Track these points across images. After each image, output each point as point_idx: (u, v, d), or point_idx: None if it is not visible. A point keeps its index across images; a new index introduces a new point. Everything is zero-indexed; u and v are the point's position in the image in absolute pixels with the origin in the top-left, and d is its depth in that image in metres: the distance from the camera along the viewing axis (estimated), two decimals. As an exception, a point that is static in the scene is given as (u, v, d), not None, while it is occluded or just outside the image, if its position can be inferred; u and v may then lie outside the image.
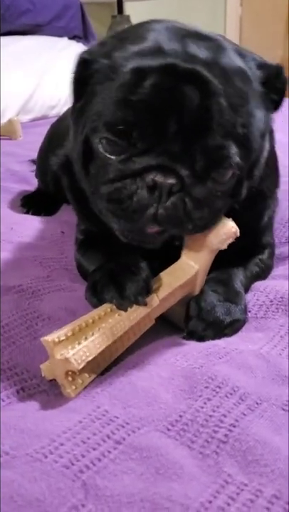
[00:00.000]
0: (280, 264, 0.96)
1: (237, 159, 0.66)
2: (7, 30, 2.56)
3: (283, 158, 1.55)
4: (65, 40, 2.82)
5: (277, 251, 0.99)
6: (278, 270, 0.94)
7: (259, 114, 0.71)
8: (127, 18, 3.35)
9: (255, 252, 0.91)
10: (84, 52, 0.75)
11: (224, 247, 0.73)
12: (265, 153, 0.77)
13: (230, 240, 0.73)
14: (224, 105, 0.64)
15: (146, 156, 0.65)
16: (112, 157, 0.67)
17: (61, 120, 1.39)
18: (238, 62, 0.70)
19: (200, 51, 0.67)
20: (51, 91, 2.42)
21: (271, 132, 0.83)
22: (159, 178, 0.65)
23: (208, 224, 0.72)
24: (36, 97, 2.41)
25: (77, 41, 2.90)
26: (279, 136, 1.89)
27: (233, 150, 0.66)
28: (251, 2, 4.18)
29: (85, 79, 0.72)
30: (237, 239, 0.74)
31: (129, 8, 3.44)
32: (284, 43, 4.08)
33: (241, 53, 0.73)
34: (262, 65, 0.74)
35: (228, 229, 0.72)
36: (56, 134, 1.31)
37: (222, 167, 0.67)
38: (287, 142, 1.79)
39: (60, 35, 2.83)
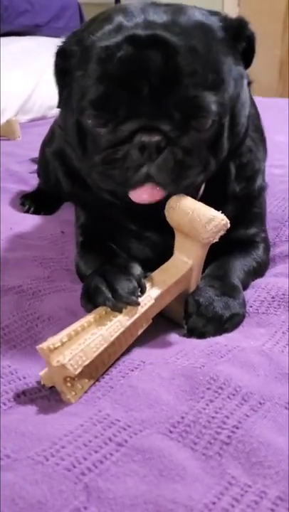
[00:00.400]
0: (281, 263, 0.96)
1: (212, 107, 0.71)
2: (5, 31, 2.56)
3: (284, 158, 1.55)
4: (63, 40, 2.82)
5: (277, 249, 0.99)
6: (279, 268, 0.93)
7: (227, 60, 0.75)
8: (125, 18, 3.35)
9: (250, 243, 0.91)
10: (60, 45, 0.82)
11: (215, 240, 0.72)
12: (247, 109, 0.82)
13: (222, 233, 0.72)
14: (189, 59, 0.69)
15: (129, 121, 0.71)
16: (101, 129, 0.73)
17: None
18: (198, 17, 0.75)
19: (158, 16, 0.72)
20: (50, 91, 2.38)
21: (251, 98, 0.88)
22: (145, 138, 0.70)
23: (198, 179, 0.76)
24: (35, 98, 2.41)
25: (76, 42, 2.91)
26: (279, 138, 1.90)
27: (207, 98, 0.71)
28: (249, 2, 4.18)
29: (65, 68, 0.79)
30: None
31: (127, 8, 3.44)
32: (281, 43, 4.09)
33: (203, 11, 0.78)
34: (224, 18, 0.78)
35: (218, 221, 0.71)
36: (53, 129, 1.33)
37: (199, 116, 0.72)
38: (287, 142, 1.80)
39: (59, 36, 2.79)
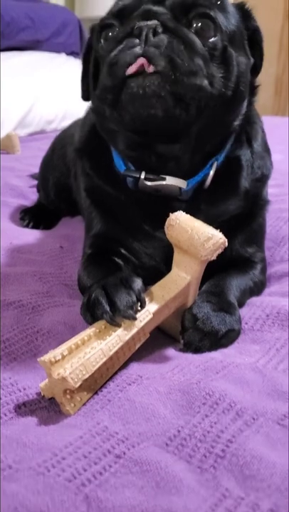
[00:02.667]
0: (276, 282, 0.98)
1: (212, 13, 0.76)
2: (7, 46, 2.60)
3: (279, 178, 1.58)
4: (63, 56, 2.87)
5: (272, 269, 1.01)
6: (274, 288, 0.95)
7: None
8: (124, 35, 3.39)
9: (248, 262, 0.93)
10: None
11: (213, 257, 0.74)
12: (248, 76, 0.86)
13: (219, 251, 0.74)
14: None
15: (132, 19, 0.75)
16: (110, 35, 0.79)
17: (65, 131, 1.42)
18: None
19: None
20: (49, 106, 2.45)
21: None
22: (141, 23, 0.73)
23: (202, 94, 0.75)
24: (34, 112, 2.44)
25: (75, 57, 2.95)
26: (275, 156, 1.93)
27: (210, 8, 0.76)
28: (246, 21, 4.25)
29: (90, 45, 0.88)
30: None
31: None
32: (277, 62, 4.16)
33: None
34: None
35: (216, 240, 0.73)
36: (61, 140, 1.36)
37: (200, 12, 0.76)
38: (284, 160, 1.83)
39: (59, 51, 2.87)
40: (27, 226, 1.32)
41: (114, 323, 0.68)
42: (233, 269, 0.90)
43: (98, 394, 0.66)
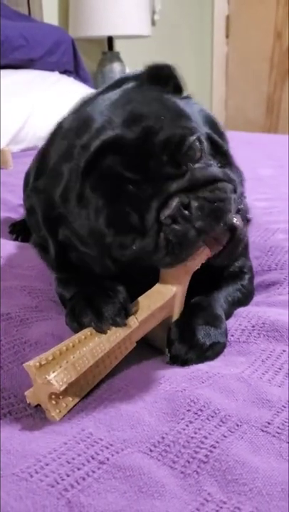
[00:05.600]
0: (264, 291, 0.99)
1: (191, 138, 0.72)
2: (1, 65, 2.63)
3: (268, 192, 1.61)
4: (56, 74, 2.90)
5: (259, 278, 1.02)
6: (261, 297, 0.96)
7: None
8: (117, 54, 3.44)
9: (236, 274, 0.94)
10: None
11: (197, 266, 0.75)
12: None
13: (203, 261, 0.75)
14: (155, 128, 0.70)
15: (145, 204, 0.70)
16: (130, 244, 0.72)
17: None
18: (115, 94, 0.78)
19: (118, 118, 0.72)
20: (42, 122, 2.47)
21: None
22: (165, 211, 0.69)
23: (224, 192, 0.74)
24: (27, 128, 2.46)
25: (68, 75, 2.99)
26: (264, 172, 1.95)
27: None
28: (236, 40, 4.33)
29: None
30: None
31: (119, 45, 3.54)
32: (269, 80, 4.22)
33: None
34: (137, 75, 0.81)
35: (199, 250, 0.74)
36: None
37: (186, 151, 0.72)
38: (272, 176, 1.85)
39: (52, 70, 2.91)
40: (16, 240, 1.33)
41: (101, 331, 0.69)
42: (222, 281, 0.91)
43: (84, 401, 0.66)
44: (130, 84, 0.80)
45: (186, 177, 0.72)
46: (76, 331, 0.71)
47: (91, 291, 0.75)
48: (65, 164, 0.75)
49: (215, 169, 0.76)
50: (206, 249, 0.75)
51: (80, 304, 0.73)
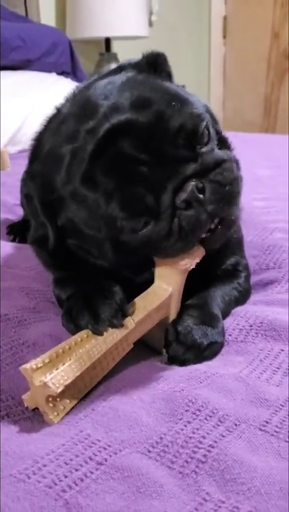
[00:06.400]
0: (262, 290, 0.99)
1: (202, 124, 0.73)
2: (-2, 66, 2.63)
3: (265, 192, 1.61)
4: (53, 75, 2.90)
5: (257, 277, 1.02)
6: (259, 296, 0.96)
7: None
8: (115, 56, 3.44)
9: (232, 272, 0.94)
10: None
11: (192, 266, 0.75)
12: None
13: (197, 260, 0.75)
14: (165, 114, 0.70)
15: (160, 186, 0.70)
16: (145, 230, 0.71)
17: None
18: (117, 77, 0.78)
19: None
20: (39, 123, 2.48)
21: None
22: (181, 195, 0.70)
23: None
24: (25, 129, 2.46)
25: (66, 76, 2.99)
26: (261, 172, 1.96)
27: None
28: (234, 41, 4.34)
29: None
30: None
31: (116, 46, 3.54)
32: (266, 81, 4.23)
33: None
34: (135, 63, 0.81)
35: (194, 249, 0.74)
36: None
37: (198, 134, 0.72)
38: (269, 176, 1.85)
39: (50, 71, 2.91)
40: (13, 241, 1.33)
41: (98, 333, 0.69)
42: (218, 280, 0.91)
43: (82, 403, 0.66)
44: (129, 72, 0.80)
45: (198, 161, 0.72)
46: (73, 333, 0.71)
47: (87, 291, 0.75)
48: (65, 147, 0.73)
49: (220, 152, 0.77)
50: (200, 248, 0.74)
51: (77, 306, 0.73)
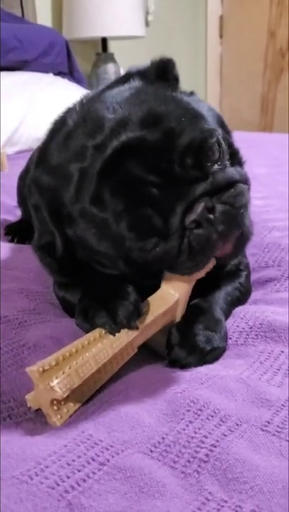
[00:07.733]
0: (261, 288, 0.99)
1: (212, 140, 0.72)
2: (-5, 67, 2.64)
3: (264, 191, 1.61)
4: (50, 76, 2.90)
5: (256, 275, 1.02)
6: (258, 294, 0.96)
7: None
8: (111, 55, 3.44)
9: (234, 272, 0.94)
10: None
11: (202, 275, 0.75)
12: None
13: (208, 269, 0.75)
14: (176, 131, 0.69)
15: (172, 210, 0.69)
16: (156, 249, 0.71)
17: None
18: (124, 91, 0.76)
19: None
20: (37, 124, 2.47)
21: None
22: (191, 216, 0.69)
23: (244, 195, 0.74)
24: (22, 130, 2.46)
25: (63, 77, 2.99)
26: (260, 171, 1.96)
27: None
28: (230, 40, 4.34)
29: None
30: None
31: (113, 46, 3.54)
32: (263, 80, 4.23)
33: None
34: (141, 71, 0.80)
35: None
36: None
37: (208, 154, 0.71)
38: (268, 175, 1.85)
39: (46, 71, 2.91)
40: (12, 241, 1.32)
41: (114, 333, 0.69)
42: (221, 281, 0.90)
43: (84, 405, 0.66)
44: (137, 81, 0.79)
45: (208, 180, 0.71)
46: (87, 332, 0.70)
47: (103, 292, 0.74)
48: (74, 164, 0.73)
49: (232, 170, 0.76)
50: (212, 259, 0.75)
51: (93, 306, 0.72)
